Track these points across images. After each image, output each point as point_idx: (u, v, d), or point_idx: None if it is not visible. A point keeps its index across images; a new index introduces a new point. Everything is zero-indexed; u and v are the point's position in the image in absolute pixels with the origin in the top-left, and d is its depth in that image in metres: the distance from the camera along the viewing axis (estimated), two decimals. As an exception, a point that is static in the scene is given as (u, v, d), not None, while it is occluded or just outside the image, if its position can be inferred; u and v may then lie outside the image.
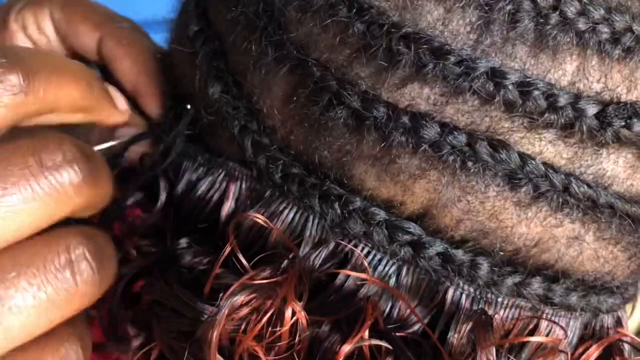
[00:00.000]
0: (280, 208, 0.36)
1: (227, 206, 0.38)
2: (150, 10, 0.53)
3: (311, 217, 0.36)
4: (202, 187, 0.39)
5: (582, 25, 0.33)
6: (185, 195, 0.39)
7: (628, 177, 0.35)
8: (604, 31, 0.33)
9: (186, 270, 0.37)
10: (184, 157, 0.40)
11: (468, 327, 0.34)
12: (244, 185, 0.38)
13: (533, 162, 0.33)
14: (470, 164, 0.33)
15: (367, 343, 0.33)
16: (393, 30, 0.33)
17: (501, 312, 0.35)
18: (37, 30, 0.46)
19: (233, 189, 0.38)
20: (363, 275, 0.34)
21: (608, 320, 0.39)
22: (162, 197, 0.40)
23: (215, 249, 0.37)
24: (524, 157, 0.33)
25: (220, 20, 0.40)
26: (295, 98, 0.36)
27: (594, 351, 0.37)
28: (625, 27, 0.33)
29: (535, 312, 0.36)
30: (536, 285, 0.35)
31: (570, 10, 0.33)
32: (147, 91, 0.44)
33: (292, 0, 0.36)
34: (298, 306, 0.33)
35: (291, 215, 0.36)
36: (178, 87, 0.42)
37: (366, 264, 0.35)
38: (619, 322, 0.40)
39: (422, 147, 0.33)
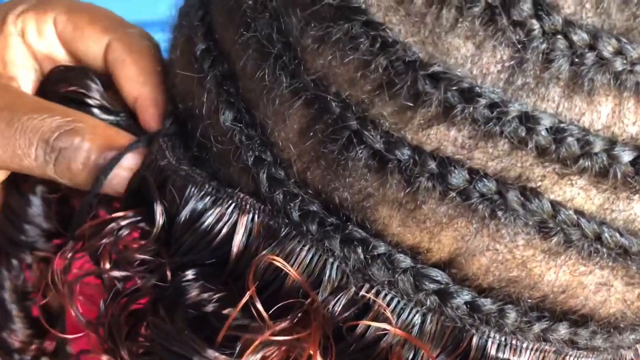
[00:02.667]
0: (298, 248, 0.35)
1: (238, 240, 0.36)
2: (150, 11, 0.51)
3: (330, 260, 0.34)
4: (209, 219, 0.37)
5: (619, 65, 0.31)
6: (189, 225, 0.37)
7: None
8: None
9: (191, 307, 0.36)
10: (188, 182, 0.38)
11: None
12: (256, 219, 0.36)
13: (565, 211, 0.32)
14: (500, 213, 0.32)
15: None
16: (419, 67, 0.31)
17: (525, 357, 0.34)
18: (37, 36, 0.44)
19: (244, 222, 0.36)
20: (387, 327, 0.33)
21: (628, 355, 0.38)
22: (159, 223, 0.38)
23: (224, 286, 0.36)
24: (556, 206, 0.32)
25: (228, 40, 0.37)
26: (311, 133, 0.34)
27: None
28: None
29: (558, 354, 0.35)
30: (563, 331, 0.34)
31: (607, 50, 0.31)
32: (149, 104, 0.42)
33: (310, 29, 0.34)
34: None
35: (309, 257, 0.35)
36: (180, 106, 0.40)
37: (389, 314, 0.33)
38: (636, 354, 0.39)
39: (450, 195, 0.32)
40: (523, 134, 0.31)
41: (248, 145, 0.36)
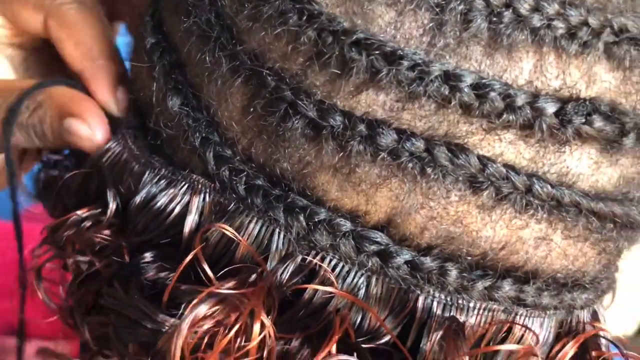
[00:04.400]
0: (246, 222, 0.36)
1: (191, 220, 0.37)
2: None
3: (277, 231, 0.35)
4: (162, 199, 0.38)
5: (536, 21, 0.32)
6: (143, 207, 0.38)
7: (592, 173, 0.34)
8: (560, 26, 0.32)
9: (149, 284, 0.37)
10: (146, 167, 0.39)
11: (439, 336, 0.33)
12: (207, 199, 0.37)
13: (493, 164, 0.33)
14: (429, 170, 0.33)
15: (335, 358, 0.33)
16: (344, 36, 0.33)
17: (473, 317, 0.35)
18: None
19: (196, 202, 0.37)
20: (332, 289, 0.34)
21: (584, 315, 0.38)
22: (112, 207, 0.39)
23: (179, 265, 0.37)
24: (483, 160, 0.33)
25: (175, 32, 0.39)
26: (252, 109, 0.35)
27: (570, 348, 0.37)
28: (581, 21, 0.32)
29: (508, 314, 0.36)
30: (507, 288, 0.35)
31: (524, 7, 0.32)
32: (92, 76, 0.43)
33: (242, 9, 0.35)
34: (267, 320, 0.33)
35: (257, 228, 0.36)
36: (138, 100, 0.42)
37: (333, 278, 0.34)
38: (595, 317, 0.39)
39: (381, 155, 0.33)
40: (446, 92, 0.32)
41: (195, 127, 0.37)
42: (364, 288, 0.35)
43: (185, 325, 0.32)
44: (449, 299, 0.35)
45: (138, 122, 0.42)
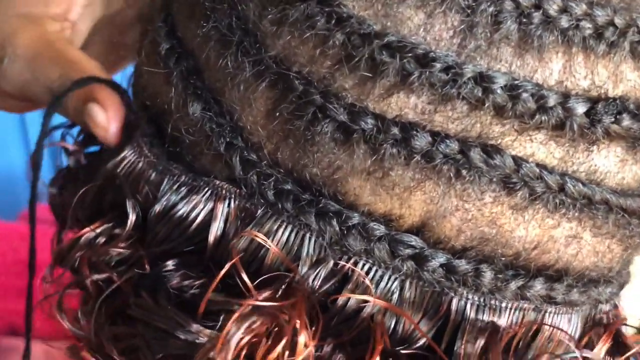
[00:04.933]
0: (275, 227, 0.35)
1: (216, 227, 0.37)
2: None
3: (308, 236, 0.35)
4: (184, 208, 0.37)
5: (565, 22, 0.32)
6: (163, 216, 0.38)
7: (619, 170, 0.34)
8: (587, 27, 0.32)
9: (175, 293, 0.36)
10: (165, 174, 0.39)
11: (480, 343, 0.34)
12: (232, 205, 0.37)
13: (527, 164, 0.33)
14: (464, 172, 0.33)
15: None
16: (375, 39, 0.32)
17: (505, 317, 0.35)
18: None
19: (220, 209, 0.37)
20: (368, 298, 0.34)
21: (606, 307, 0.39)
22: (132, 218, 0.38)
23: (204, 273, 0.36)
24: (517, 161, 0.33)
25: (190, 37, 0.39)
26: (277, 113, 0.35)
27: (605, 342, 0.37)
28: (607, 21, 0.33)
29: (538, 312, 0.36)
30: (539, 287, 0.35)
31: (553, 8, 0.32)
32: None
33: (266, 13, 0.35)
34: (310, 333, 0.32)
35: (286, 234, 0.35)
36: (150, 105, 0.41)
37: (369, 283, 0.34)
38: (615, 306, 0.40)
39: (415, 158, 0.33)
40: (480, 94, 0.32)
41: (219, 133, 0.37)
42: (397, 292, 0.35)
43: (234, 341, 0.32)
44: (482, 300, 0.35)
45: (152, 129, 0.41)
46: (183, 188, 0.38)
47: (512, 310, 0.35)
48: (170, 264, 0.37)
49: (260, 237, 0.35)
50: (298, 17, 0.34)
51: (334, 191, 0.35)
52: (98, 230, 0.39)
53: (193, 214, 0.37)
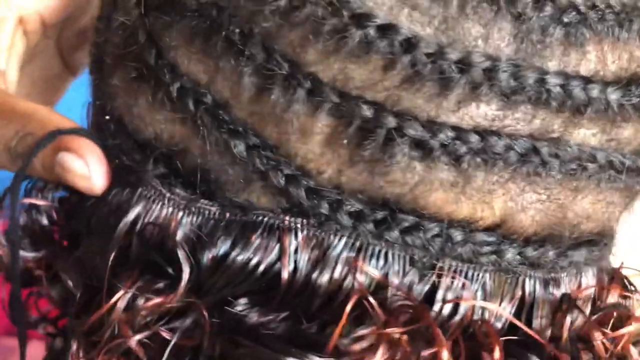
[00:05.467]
0: (371, 252, 0.36)
1: (286, 261, 0.36)
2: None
3: (391, 253, 0.36)
4: (245, 249, 0.36)
5: (594, 16, 0.35)
6: (219, 263, 0.36)
7: (636, 138, 0.39)
8: (610, 18, 0.36)
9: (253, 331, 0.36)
10: (203, 216, 0.37)
11: (575, 319, 0.37)
12: (299, 235, 0.36)
13: (584, 150, 0.36)
14: (539, 168, 0.35)
15: None
16: (441, 56, 0.33)
17: (563, 287, 0.39)
18: None
19: (288, 242, 0.36)
20: (482, 303, 0.36)
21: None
22: (186, 272, 0.36)
23: (280, 307, 0.36)
24: (581, 149, 0.36)
25: (205, 71, 0.37)
26: (341, 140, 0.35)
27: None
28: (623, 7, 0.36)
29: (578, 274, 0.39)
30: (584, 252, 0.39)
31: (584, 5, 0.35)
32: None
33: (314, 43, 0.34)
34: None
35: (370, 256, 0.36)
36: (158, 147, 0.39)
37: (470, 288, 0.36)
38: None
39: (496, 163, 0.35)
40: (543, 95, 0.34)
41: (274, 167, 0.36)
42: (481, 287, 0.37)
43: None
44: (547, 276, 0.38)
45: (163, 170, 0.39)
46: (234, 227, 0.37)
47: (570, 278, 0.39)
48: (241, 303, 0.36)
49: (369, 271, 0.35)
50: (356, 44, 0.34)
51: (413, 206, 0.35)
52: (136, 290, 0.37)
53: (257, 257, 0.36)
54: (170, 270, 0.37)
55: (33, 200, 0.41)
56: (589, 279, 0.40)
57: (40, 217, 0.42)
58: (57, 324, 0.46)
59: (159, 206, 0.38)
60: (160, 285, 0.37)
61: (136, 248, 0.38)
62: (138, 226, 0.38)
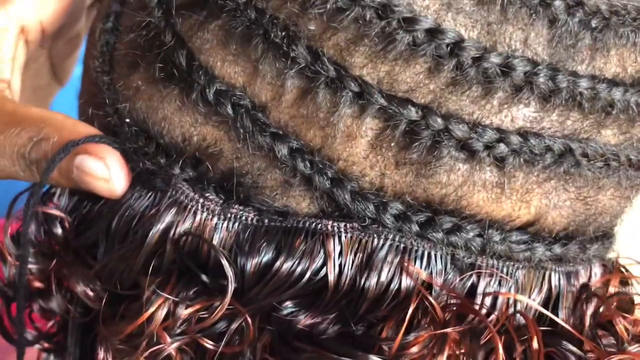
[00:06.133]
0: (415, 253, 0.36)
1: (332, 266, 0.36)
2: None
3: (433, 253, 0.37)
4: (289, 262, 0.36)
5: (615, 20, 0.37)
6: (263, 272, 0.36)
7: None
8: (630, 23, 0.37)
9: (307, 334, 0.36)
10: (240, 223, 0.37)
11: (590, 310, 0.38)
12: (343, 239, 0.36)
13: (609, 150, 0.37)
14: (572, 167, 0.37)
15: None
16: (486, 59, 0.34)
17: (582, 278, 0.40)
18: None
19: (332, 246, 0.36)
20: (519, 297, 0.37)
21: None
22: (231, 275, 0.36)
23: (327, 309, 0.36)
24: (607, 148, 0.37)
25: (239, 74, 0.37)
26: (387, 142, 0.35)
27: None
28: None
29: (588, 266, 0.41)
30: (598, 246, 0.40)
31: (606, 10, 0.37)
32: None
33: (358, 47, 0.35)
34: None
35: (415, 255, 0.36)
36: (186, 149, 0.38)
37: (507, 277, 0.37)
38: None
39: (536, 164, 0.36)
40: (578, 98, 0.36)
41: (319, 170, 0.36)
42: (515, 283, 0.38)
43: None
44: (570, 269, 0.40)
45: (192, 174, 0.38)
46: (275, 234, 0.37)
47: (585, 270, 0.41)
48: (289, 306, 0.36)
49: (419, 272, 0.36)
50: (403, 48, 0.34)
51: (455, 207, 0.36)
52: (176, 299, 0.36)
53: (301, 266, 0.36)
54: (205, 278, 0.36)
55: (48, 210, 0.40)
56: (596, 269, 0.42)
57: (54, 227, 0.40)
58: (53, 339, 0.45)
59: (191, 212, 0.37)
60: (197, 292, 0.36)
61: (169, 255, 0.37)
62: (171, 233, 0.37)
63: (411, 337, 0.34)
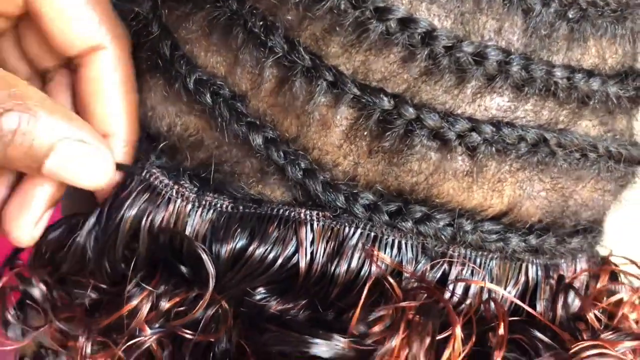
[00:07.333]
0: (385, 242, 0.37)
1: (303, 253, 0.37)
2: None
3: (404, 242, 0.37)
4: (263, 243, 0.37)
5: (592, 12, 0.37)
6: (236, 258, 0.37)
7: (627, 127, 0.41)
8: (609, 14, 0.38)
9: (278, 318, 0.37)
10: (214, 211, 0.38)
11: (570, 298, 0.39)
12: (315, 227, 0.37)
13: (587, 140, 0.38)
14: (546, 157, 0.37)
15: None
16: (459, 48, 0.35)
17: (563, 270, 0.40)
18: None
19: (304, 234, 0.37)
20: (489, 285, 0.37)
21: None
22: (212, 271, 0.37)
23: (297, 296, 0.37)
24: (584, 139, 0.37)
25: (221, 64, 0.38)
26: (360, 132, 0.36)
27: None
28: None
29: (573, 259, 0.41)
30: (579, 240, 0.40)
31: (582, 2, 0.37)
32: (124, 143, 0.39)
33: (332, 37, 0.35)
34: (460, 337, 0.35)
35: (385, 244, 0.37)
36: (166, 137, 0.39)
37: (478, 269, 0.37)
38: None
39: (509, 153, 0.36)
40: (553, 88, 0.36)
41: (292, 161, 0.37)
42: (488, 274, 0.38)
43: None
44: (548, 262, 0.40)
45: (167, 163, 0.39)
46: (249, 220, 0.37)
47: (567, 264, 0.41)
48: (261, 291, 0.37)
49: (382, 258, 0.36)
50: (377, 37, 0.35)
51: (426, 195, 0.37)
52: (159, 291, 0.37)
53: (275, 248, 0.37)
54: (184, 269, 0.37)
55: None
56: (582, 264, 0.42)
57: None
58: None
59: (165, 198, 0.38)
60: (175, 284, 0.37)
61: (144, 245, 0.38)
62: (144, 221, 0.38)
63: (372, 317, 0.35)
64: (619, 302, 0.41)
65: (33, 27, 0.40)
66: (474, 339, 0.35)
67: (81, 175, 0.37)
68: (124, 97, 0.39)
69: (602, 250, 0.44)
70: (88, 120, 0.38)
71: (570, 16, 0.36)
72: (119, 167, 0.38)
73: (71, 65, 0.40)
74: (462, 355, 0.34)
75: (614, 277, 0.43)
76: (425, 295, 0.36)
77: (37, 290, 0.41)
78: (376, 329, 0.35)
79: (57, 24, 0.38)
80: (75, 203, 0.42)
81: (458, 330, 0.34)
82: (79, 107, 0.40)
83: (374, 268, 0.36)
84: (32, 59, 0.41)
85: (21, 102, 0.35)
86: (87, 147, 0.36)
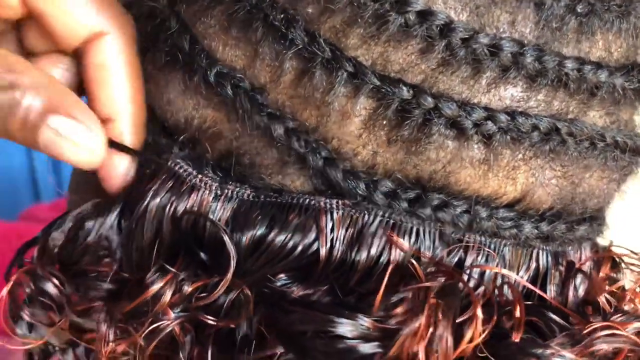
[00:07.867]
0: (404, 229, 0.38)
1: (324, 240, 0.38)
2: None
3: (422, 229, 0.38)
4: (283, 231, 0.38)
5: (599, 7, 0.39)
6: (256, 246, 0.38)
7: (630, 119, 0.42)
8: (615, 9, 0.39)
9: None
10: (233, 201, 0.38)
11: (578, 283, 0.40)
12: (335, 216, 0.38)
13: (596, 129, 0.39)
14: (558, 146, 0.38)
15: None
16: (475, 40, 0.36)
17: (571, 257, 0.42)
18: None
19: (324, 222, 0.38)
20: (504, 271, 0.38)
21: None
22: (233, 252, 0.37)
23: (318, 283, 0.38)
24: (593, 128, 0.39)
25: (240, 58, 0.38)
26: (379, 121, 0.37)
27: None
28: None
29: (579, 246, 0.43)
30: (586, 227, 0.42)
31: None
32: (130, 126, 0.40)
33: (353, 29, 0.36)
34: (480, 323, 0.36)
35: (404, 231, 0.38)
36: (186, 130, 0.40)
37: (493, 253, 0.38)
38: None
39: (523, 142, 0.37)
40: (564, 79, 0.37)
41: (314, 150, 0.37)
42: (502, 260, 0.39)
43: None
44: (557, 249, 0.41)
45: (189, 154, 0.40)
46: (270, 209, 0.38)
47: (574, 251, 0.42)
48: (282, 277, 0.38)
49: (402, 246, 0.37)
50: (396, 29, 0.36)
51: (444, 183, 0.38)
52: (183, 276, 0.38)
53: (295, 235, 0.38)
54: (203, 256, 0.38)
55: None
56: (587, 252, 0.43)
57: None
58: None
59: (189, 187, 0.39)
60: (196, 269, 0.38)
61: (167, 232, 0.39)
62: (168, 209, 0.39)
63: (395, 298, 0.35)
64: (624, 288, 0.42)
65: (33, 26, 0.40)
66: (495, 318, 0.36)
67: (71, 151, 0.37)
68: (129, 80, 0.40)
69: (601, 241, 0.46)
70: (93, 105, 0.39)
71: (579, 10, 0.38)
72: (124, 149, 0.39)
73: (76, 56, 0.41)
74: (483, 335, 0.35)
75: (614, 265, 0.44)
76: (445, 279, 0.37)
77: (51, 286, 0.41)
78: (399, 309, 0.35)
79: (58, 16, 0.39)
80: (82, 198, 0.43)
81: (479, 311, 0.35)
82: (85, 94, 0.40)
83: (393, 254, 0.37)
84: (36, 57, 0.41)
85: (18, 77, 0.36)
86: (77, 123, 0.37)
